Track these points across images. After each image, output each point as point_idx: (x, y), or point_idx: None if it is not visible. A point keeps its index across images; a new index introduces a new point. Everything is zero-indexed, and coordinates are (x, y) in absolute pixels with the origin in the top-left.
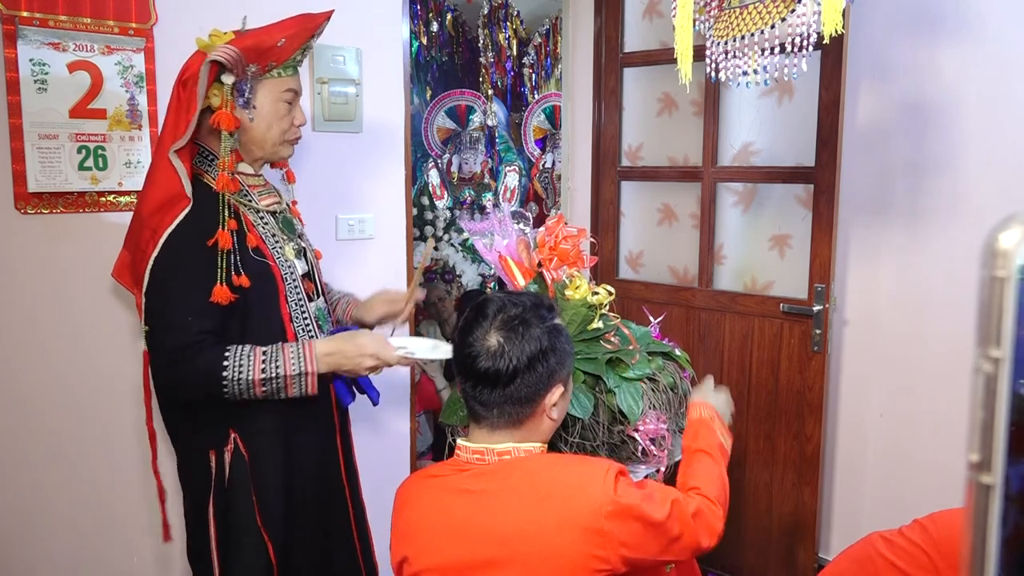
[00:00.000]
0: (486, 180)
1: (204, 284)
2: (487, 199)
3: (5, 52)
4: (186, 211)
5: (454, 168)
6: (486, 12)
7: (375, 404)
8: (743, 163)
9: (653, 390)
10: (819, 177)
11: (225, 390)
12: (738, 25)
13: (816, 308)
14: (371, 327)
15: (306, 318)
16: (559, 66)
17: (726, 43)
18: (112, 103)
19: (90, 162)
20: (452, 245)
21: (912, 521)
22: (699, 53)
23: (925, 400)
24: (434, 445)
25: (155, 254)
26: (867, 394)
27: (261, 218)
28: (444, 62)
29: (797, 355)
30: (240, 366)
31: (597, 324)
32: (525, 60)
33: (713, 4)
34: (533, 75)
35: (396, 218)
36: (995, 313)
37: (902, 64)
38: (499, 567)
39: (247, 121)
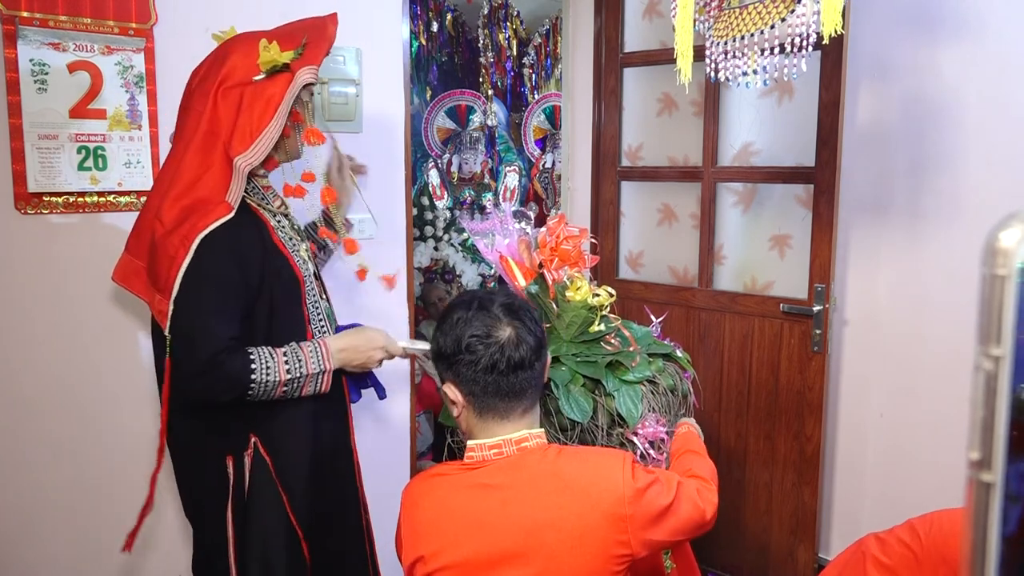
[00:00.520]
0: (486, 180)
1: (235, 291)
2: (487, 199)
3: (5, 52)
4: (224, 219)
5: (454, 168)
6: (486, 12)
7: (383, 398)
8: (743, 163)
9: (653, 393)
10: (819, 177)
11: (250, 394)
12: (738, 25)
13: (816, 308)
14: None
15: (321, 318)
16: (559, 66)
17: (726, 43)
18: (112, 103)
19: (90, 162)
20: (452, 245)
21: (905, 521)
22: (699, 53)
23: (925, 400)
24: (434, 445)
25: (188, 260)
26: (867, 394)
27: (278, 221)
28: (444, 62)
29: (797, 355)
30: (267, 369)
31: (598, 326)
32: (525, 60)
33: (713, 4)
34: (533, 75)
35: (396, 218)
36: (995, 311)
37: (902, 64)
38: (523, 558)
39: (292, 130)
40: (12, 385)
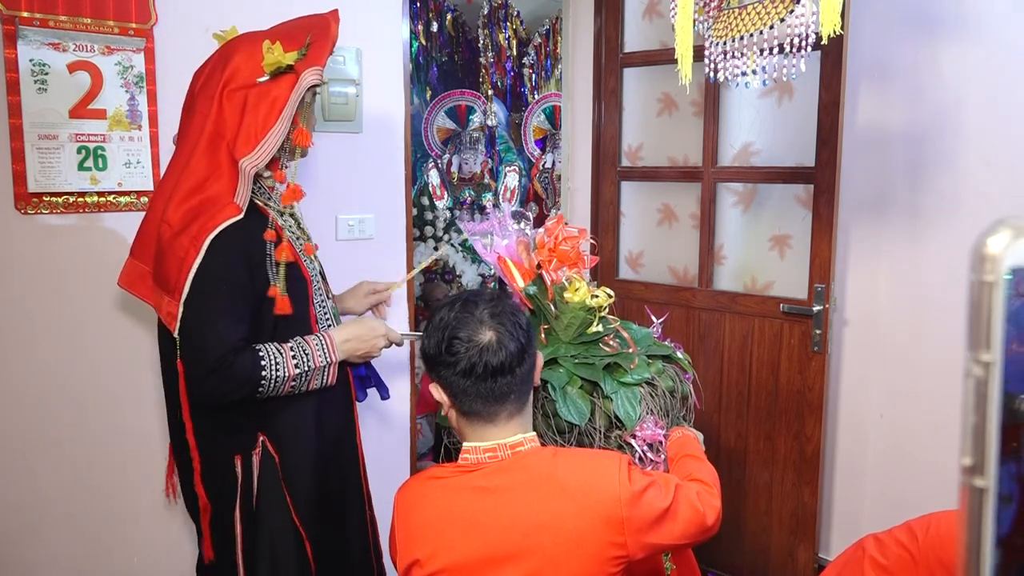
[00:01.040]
0: (486, 180)
1: (244, 292)
2: (487, 199)
3: (5, 52)
4: (233, 220)
5: (454, 168)
6: (486, 12)
7: (386, 398)
8: (743, 163)
9: (651, 395)
10: (819, 177)
11: (260, 391)
12: (737, 25)
13: (816, 308)
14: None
15: (328, 318)
16: (559, 66)
17: (725, 43)
18: (112, 103)
19: (90, 162)
20: (452, 245)
21: (904, 523)
22: (699, 53)
23: (925, 400)
24: (434, 447)
25: (199, 259)
26: (867, 394)
27: (285, 221)
28: (444, 62)
29: (797, 355)
30: (277, 365)
31: (596, 328)
32: (525, 60)
33: (712, 4)
34: (533, 75)
35: (396, 218)
36: (984, 317)
37: (902, 64)
38: (520, 560)
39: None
40: (12, 385)
